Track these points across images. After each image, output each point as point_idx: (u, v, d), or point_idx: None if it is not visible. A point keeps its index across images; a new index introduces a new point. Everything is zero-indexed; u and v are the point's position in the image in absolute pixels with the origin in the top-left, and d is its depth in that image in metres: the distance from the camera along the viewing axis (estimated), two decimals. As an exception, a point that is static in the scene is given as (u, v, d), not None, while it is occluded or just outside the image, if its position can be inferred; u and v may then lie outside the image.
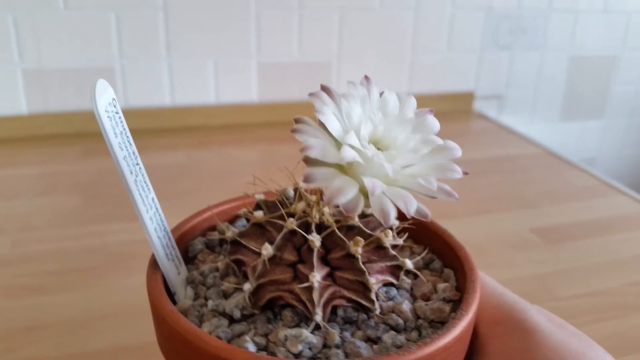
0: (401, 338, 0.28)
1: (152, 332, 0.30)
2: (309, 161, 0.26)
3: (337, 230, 0.29)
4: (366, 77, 0.29)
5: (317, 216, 0.30)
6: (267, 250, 0.28)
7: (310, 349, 0.27)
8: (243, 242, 0.30)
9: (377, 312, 0.29)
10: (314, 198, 0.30)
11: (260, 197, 0.33)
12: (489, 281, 0.32)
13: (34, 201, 0.72)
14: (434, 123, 0.29)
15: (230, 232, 0.31)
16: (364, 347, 0.27)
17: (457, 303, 0.31)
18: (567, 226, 0.71)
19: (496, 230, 0.69)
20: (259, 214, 0.30)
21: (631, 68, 1.32)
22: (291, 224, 0.29)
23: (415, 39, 1.10)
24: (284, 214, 0.30)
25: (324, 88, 0.28)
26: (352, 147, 0.25)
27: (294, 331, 0.27)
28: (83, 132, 0.96)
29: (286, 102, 1.05)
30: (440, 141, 0.28)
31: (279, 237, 0.29)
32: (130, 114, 0.98)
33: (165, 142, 0.94)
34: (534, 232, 0.68)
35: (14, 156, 0.87)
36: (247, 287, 0.28)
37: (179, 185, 0.78)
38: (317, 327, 0.28)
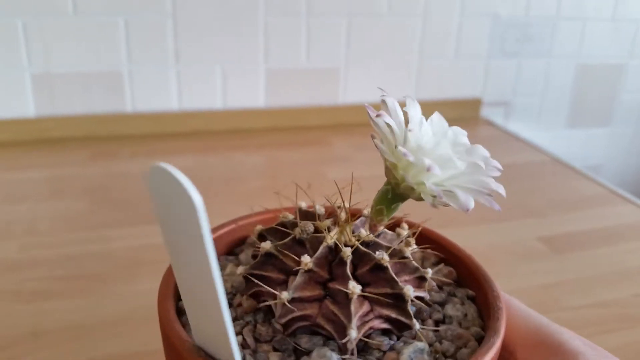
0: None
1: (159, 340, 0.30)
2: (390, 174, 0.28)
3: (380, 246, 0.30)
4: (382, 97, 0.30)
5: (352, 238, 0.29)
6: (356, 288, 0.27)
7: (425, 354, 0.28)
8: (301, 296, 0.28)
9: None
10: (325, 223, 0.30)
11: (266, 245, 0.30)
12: (516, 304, 0.32)
13: (40, 205, 0.72)
14: (444, 121, 0.31)
15: (286, 293, 0.28)
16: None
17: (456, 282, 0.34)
18: (574, 235, 0.70)
19: (503, 239, 0.68)
20: (306, 259, 0.28)
21: (638, 76, 1.32)
22: (347, 256, 0.28)
23: (423, 45, 1.10)
24: (341, 248, 0.29)
25: (371, 108, 0.29)
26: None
27: (410, 347, 0.28)
28: (90, 135, 0.96)
29: (293, 108, 1.05)
30: (465, 139, 0.30)
31: (346, 273, 0.28)
32: (138, 119, 0.98)
33: (172, 146, 0.94)
34: (541, 241, 0.68)
35: (21, 159, 0.87)
36: (354, 334, 0.26)
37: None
38: (398, 338, 0.29)
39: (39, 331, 0.49)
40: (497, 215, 0.74)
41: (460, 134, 0.30)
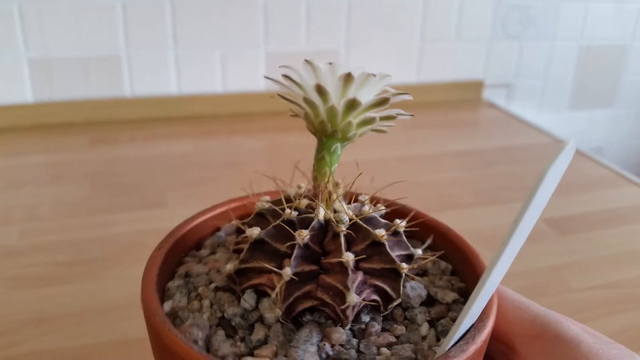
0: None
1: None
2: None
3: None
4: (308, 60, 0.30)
5: (348, 213, 0.29)
6: (350, 256, 0.27)
7: None
8: (302, 270, 0.28)
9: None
10: (304, 202, 0.30)
11: (254, 232, 0.30)
12: (510, 294, 0.31)
13: (41, 190, 0.72)
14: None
15: (289, 269, 0.27)
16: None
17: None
18: (580, 217, 0.70)
19: (508, 221, 0.68)
20: (303, 232, 0.28)
21: (641, 57, 1.31)
22: (341, 230, 0.28)
23: (424, 27, 1.09)
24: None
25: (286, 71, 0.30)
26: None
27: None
28: (89, 120, 0.95)
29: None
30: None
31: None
32: (137, 103, 0.97)
33: (173, 131, 0.93)
34: (546, 223, 0.67)
35: (21, 145, 0.86)
36: (355, 298, 0.26)
37: (187, 174, 0.77)
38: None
39: (42, 317, 0.48)
40: (502, 197, 0.74)
41: (339, 66, 0.29)
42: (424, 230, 0.35)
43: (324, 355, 0.26)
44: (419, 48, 1.10)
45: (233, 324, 0.28)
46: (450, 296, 0.31)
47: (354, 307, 0.27)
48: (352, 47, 1.06)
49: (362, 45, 1.06)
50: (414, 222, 0.34)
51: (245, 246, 0.28)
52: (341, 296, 0.27)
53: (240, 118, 1.00)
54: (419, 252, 0.31)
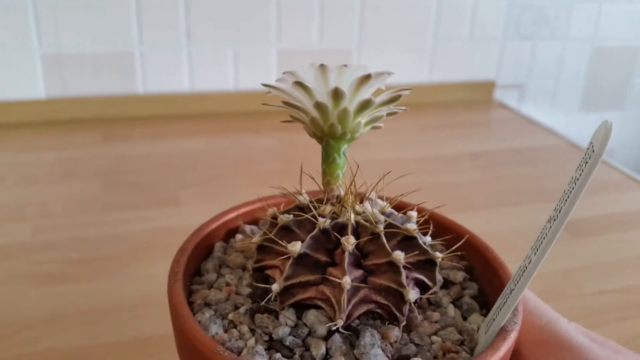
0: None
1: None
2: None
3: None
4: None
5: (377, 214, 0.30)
6: (400, 256, 0.27)
7: None
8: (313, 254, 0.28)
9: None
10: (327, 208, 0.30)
11: (287, 215, 0.31)
12: (530, 297, 0.32)
13: (53, 187, 0.72)
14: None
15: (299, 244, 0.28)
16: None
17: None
18: (592, 220, 0.69)
19: (520, 224, 0.68)
20: (321, 220, 0.29)
21: (654, 59, 1.30)
22: (380, 231, 0.28)
23: (437, 27, 1.09)
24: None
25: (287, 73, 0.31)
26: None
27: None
28: (101, 117, 0.96)
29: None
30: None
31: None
32: (149, 100, 0.97)
33: (184, 128, 0.94)
34: (558, 226, 0.67)
35: (32, 141, 0.86)
36: (414, 295, 0.27)
37: (199, 172, 0.77)
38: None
39: (55, 315, 0.49)
40: (514, 199, 0.73)
41: (348, 68, 0.29)
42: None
43: (389, 355, 0.26)
44: (432, 48, 1.10)
45: (287, 343, 0.27)
46: (460, 275, 0.32)
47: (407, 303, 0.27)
48: (365, 46, 1.06)
49: (375, 44, 1.06)
50: (419, 216, 0.35)
51: (288, 262, 0.28)
52: (394, 295, 0.27)
53: (251, 116, 1.00)
54: (428, 239, 0.32)
